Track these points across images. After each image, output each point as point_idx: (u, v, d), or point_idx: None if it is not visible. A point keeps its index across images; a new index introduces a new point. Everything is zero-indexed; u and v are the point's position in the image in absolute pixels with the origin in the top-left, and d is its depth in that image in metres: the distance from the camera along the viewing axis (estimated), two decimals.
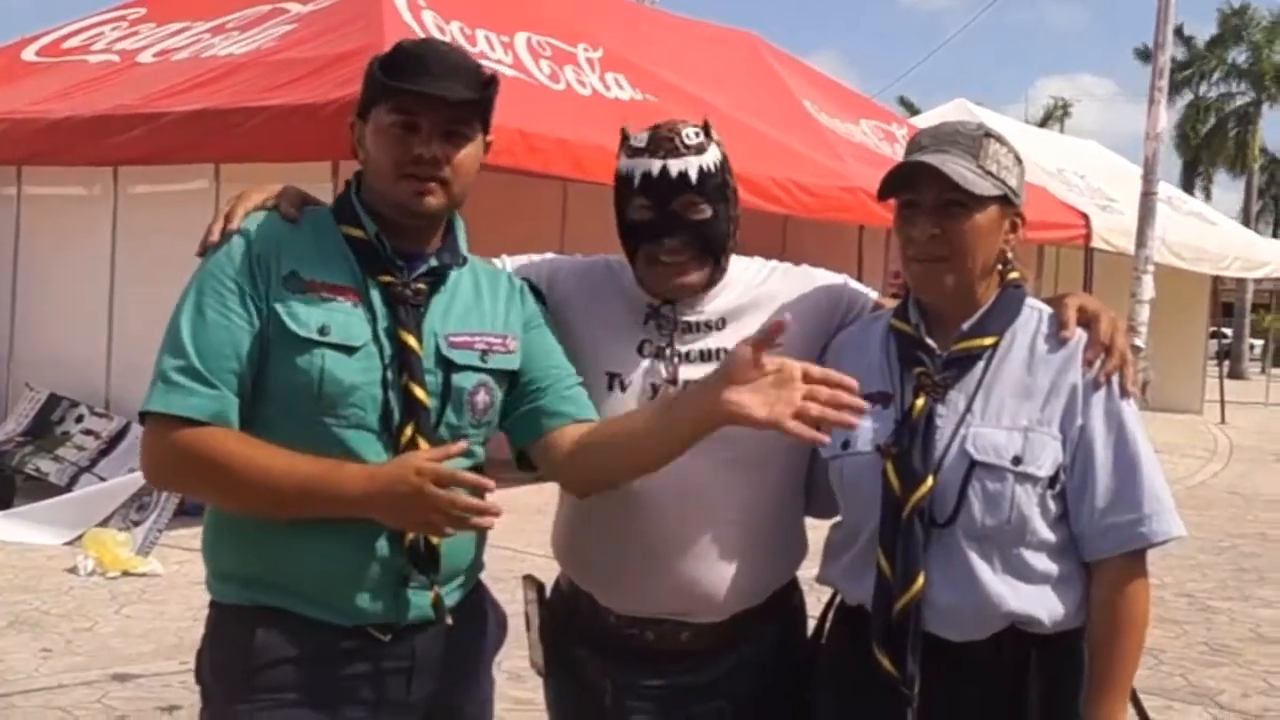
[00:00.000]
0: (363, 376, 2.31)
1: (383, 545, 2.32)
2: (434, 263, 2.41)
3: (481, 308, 2.48)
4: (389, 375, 2.33)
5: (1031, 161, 16.58)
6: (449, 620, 2.41)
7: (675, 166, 2.52)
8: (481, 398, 2.43)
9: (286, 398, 2.31)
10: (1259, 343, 45.21)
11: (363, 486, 2.23)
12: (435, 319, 2.40)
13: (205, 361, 2.27)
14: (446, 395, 2.38)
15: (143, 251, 10.15)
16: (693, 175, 2.52)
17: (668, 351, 2.60)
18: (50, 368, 10.70)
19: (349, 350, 2.31)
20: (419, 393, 2.33)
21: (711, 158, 2.55)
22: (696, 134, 2.56)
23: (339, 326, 2.31)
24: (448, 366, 2.39)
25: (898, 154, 14.95)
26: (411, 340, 2.34)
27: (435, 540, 2.33)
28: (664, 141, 2.54)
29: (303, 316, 2.30)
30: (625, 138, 2.60)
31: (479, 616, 2.54)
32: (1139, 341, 13.87)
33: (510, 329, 2.50)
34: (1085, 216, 16.84)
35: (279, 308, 2.30)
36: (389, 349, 2.33)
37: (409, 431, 2.33)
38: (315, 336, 2.29)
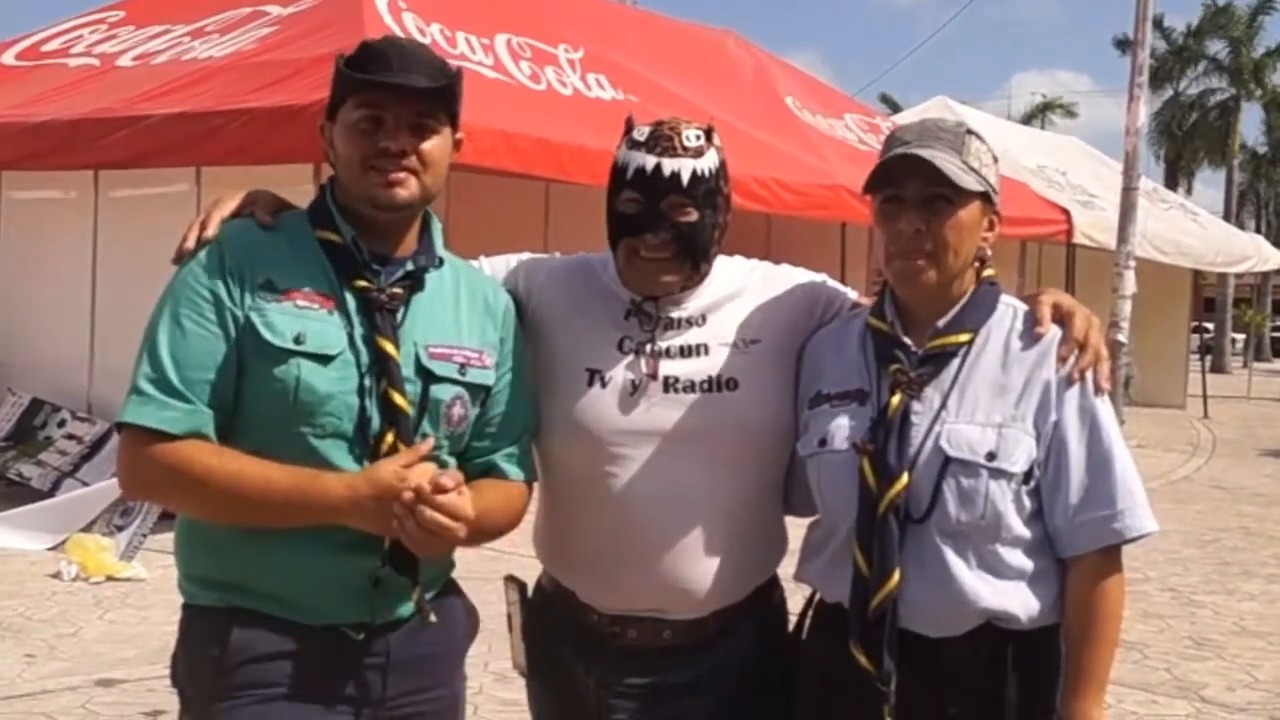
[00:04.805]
0: (338, 385, 2.31)
1: (354, 549, 2.31)
2: (410, 266, 2.41)
3: (459, 317, 2.49)
4: (366, 383, 2.33)
5: (1012, 158, 16.60)
6: (433, 618, 2.42)
7: (669, 166, 2.52)
8: (457, 410, 2.44)
9: (262, 407, 2.31)
10: (1241, 337, 45.40)
11: (343, 497, 2.24)
12: (415, 328, 2.40)
13: (180, 373, 2.26)
14: (424, 406, 2.39)
15: (124, 255, 10.13)
16: (685, 177, 2.52)
17: (648, 347, 2.61)
18: (32, 372, 10.67)
19: (324, 359, 2.30)
20: (399, 400, 2.33)
21: (708, 163, 2.55)
22: (698, 137, 2.56)
23: (314, 335, 2.30)
24: (427, 377, 2.39)
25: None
26: (389, 347, 2.34)
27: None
28: (663, 139, 2.54)
29: (278, 325, 2.30)
30: (629, 128, 2.61)
31: (451, 613, 2.54)
32: (1121, 337, 13.93)
33: (486, 344, 2.51)
34: (1066, 212, 16.90)
35: (254, 317, 2.30)
36: (366, 356, 2.33)
37: (390, 439, 2.33)
38: (290, 346, 2.29)
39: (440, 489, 2.23)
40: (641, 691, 2.63)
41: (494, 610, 2.66)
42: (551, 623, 2.72)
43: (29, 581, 7.78)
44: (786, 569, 2.73)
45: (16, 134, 10.50)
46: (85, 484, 9.26)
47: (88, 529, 8.41)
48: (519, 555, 2.80)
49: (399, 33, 10.05)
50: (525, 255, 2.80)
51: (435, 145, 2.38)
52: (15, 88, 11.70)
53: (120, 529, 8.37)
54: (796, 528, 2.74)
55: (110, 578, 7.81)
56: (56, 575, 7.85)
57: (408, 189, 2.35)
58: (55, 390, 10.46)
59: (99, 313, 10.47)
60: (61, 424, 10.19)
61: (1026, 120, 47.44)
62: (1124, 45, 44.21)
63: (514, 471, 2.57)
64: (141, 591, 7.63)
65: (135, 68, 11.32)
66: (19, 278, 11.00)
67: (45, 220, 11.06)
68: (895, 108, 39.23)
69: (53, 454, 9.92)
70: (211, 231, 2.37)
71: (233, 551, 2.34)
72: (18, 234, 11.13)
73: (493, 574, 2.68)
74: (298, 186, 2.67)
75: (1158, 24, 44.47)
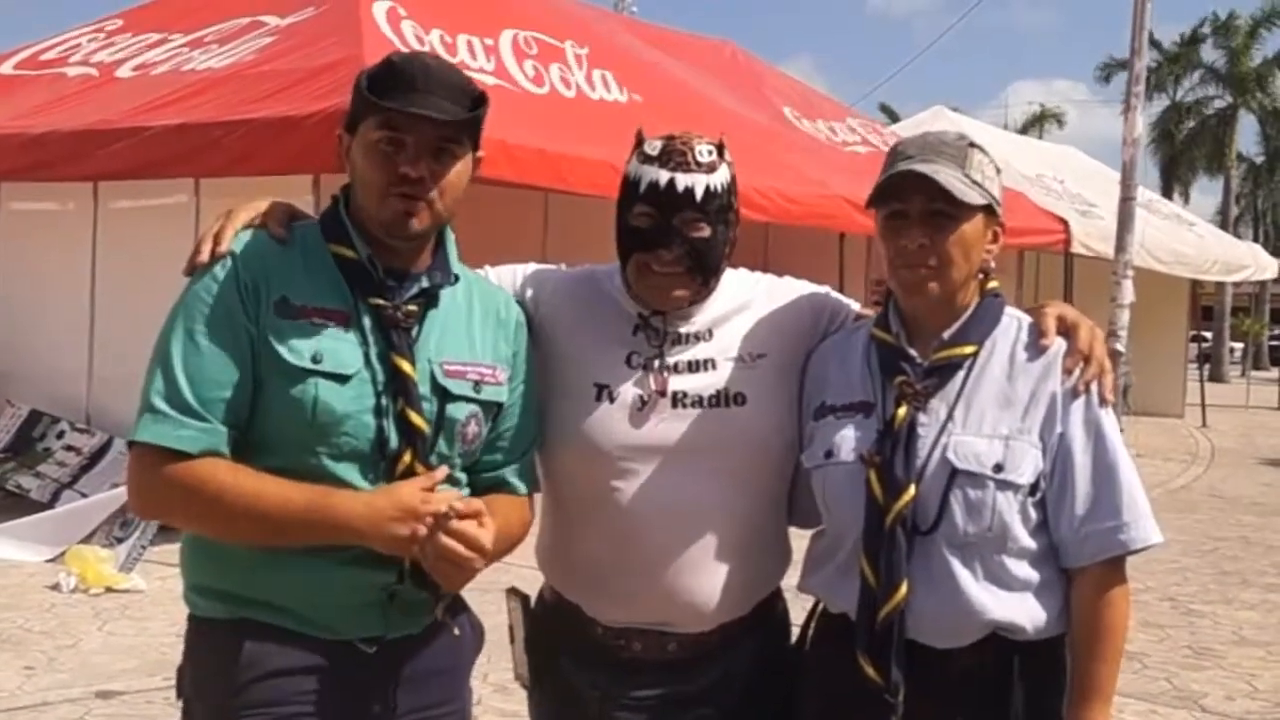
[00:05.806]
0: (355, 405, 2.29)
1: (368, 564, 2.30)
2: (425, 283, 2.39)
3: (472, 333, 2.47)
4: (383, 402, 2.31)
5: (1010, 167, 16.63)
6: (457, 631, 2.44)
7: (683, 181, 2.51)
8: (472, 428, 2.43)
9: (279, 426, 2.29)
10: (1239, 346, 45.39)
11: (363, 517, 2.23)
12: (430, 345, 2.38)
13: (196, 391, 2.24)
14: (440, 424, 2.37)
15: (124, 266, 10.12)
16: (699, 193, 2.51)
17: (656, 363, 2.60)
18: (31, 384, 10.65)
19: (342, 379, 2.28)
20: (416, 419, 2.32)
21: (720, 178, 2.55)
22: (710, 152, 2.56)
23: (331, 354, 2.28)
24: (443, 395, 2.38)
25: (884, 152, 15.00)
26: (406, 366, 2.32)
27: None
28: (676, 154, 2.53)
29: (295, 345, 2.27)
30: (640, 141, 2.60)
31: (459, 628, 2.52)
32: (1119, 346, 13.95)
33: (499, 359, 2.50)
34: (1064, 222, 16.87)
35: (271, 337, 2.27)
36: (381, 375, 2.31)
37: (407, 459, 2.31)
38: (308, 365, 2.27)
39: (458, 514, 2.23)
40: (645, 704, 2.62)
41: (494, 621, 2.66)
42: (554, 634, 2.71)
43: (28, 593, 7.76)
44: (788, 580, 2.73)
45: (16, 145, 10.47)
46: (84, 495, 9.24)
47: (87, 540, 8.39)
48: (519, 566, 2.79)
49: (397, 41, 10.05)
50: (532, 266, 2.79)
51: (455, 171, 2.36)
52: (14, 98, 11.69)
53: (120, 540, 8.35)
54: (798, 538, 2.74)
55: (109, 589, 7.79)
56: (55, 587, 7.83)
57: (422, 220, 2.33)
58: (54, 401, 10.44)
59: (98, 324, 10.45)
60: (60, 435, 10.17)
61: (1024, 129, 47.49)
62: (1109, 69, 44.41)
63: (522, 485, 2.57)
64: (141, 603, 7.61)
65: (135, 78, 11.30)
66: (18, 289, 10.97)
67: (44, 231, 11.04)
68: (894, 117, 39.24)
69: (52, 465, 9.90)
70: (225, 246, 2.33)
71: (242, 564, 2.31)
72: (17, 245, 11.10)
73: (493, 585, 2.67)
74: (297, 197, 2.65)
75: (1150, 37, 44.43)
